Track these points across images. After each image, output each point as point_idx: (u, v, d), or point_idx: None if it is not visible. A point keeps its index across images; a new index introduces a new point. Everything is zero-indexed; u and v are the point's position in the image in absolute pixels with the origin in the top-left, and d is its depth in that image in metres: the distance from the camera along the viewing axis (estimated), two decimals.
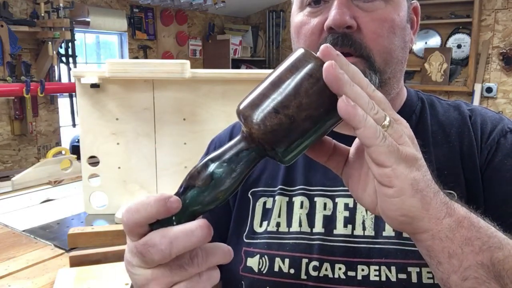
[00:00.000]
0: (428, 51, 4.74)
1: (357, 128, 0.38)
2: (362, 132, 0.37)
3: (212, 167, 0.40)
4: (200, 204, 0.40)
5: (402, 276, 0.57)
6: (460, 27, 4.63)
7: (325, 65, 0.38)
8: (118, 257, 1.22)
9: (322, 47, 0.39)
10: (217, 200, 0.40)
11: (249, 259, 0.63)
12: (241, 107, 0.40)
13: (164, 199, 0.38)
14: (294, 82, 0.39)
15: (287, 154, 0.40)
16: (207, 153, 0.77)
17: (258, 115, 0.39)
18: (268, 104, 0.39)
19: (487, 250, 0.41)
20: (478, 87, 4.54)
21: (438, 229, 0.40)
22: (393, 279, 0.57)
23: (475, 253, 0.41)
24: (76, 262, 1.21)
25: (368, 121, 0.37)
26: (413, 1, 0.65)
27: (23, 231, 1.56)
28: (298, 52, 0.40)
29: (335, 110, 0.38)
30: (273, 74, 0.41)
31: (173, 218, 0.39)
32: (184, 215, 0.39)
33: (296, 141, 0.39)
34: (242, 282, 0.63)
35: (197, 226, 0.38)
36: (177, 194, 0.40)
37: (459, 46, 4.68)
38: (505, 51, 4.45)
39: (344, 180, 0.46)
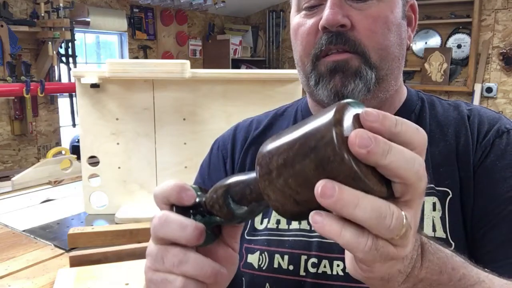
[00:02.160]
0: (428, 51, 4.74)
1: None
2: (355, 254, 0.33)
3: (234, 207, 0.40)
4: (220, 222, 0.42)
5: None
6: (460, 27, 4.64)
7: (319, 192, 0.30)
8: (118, 257, 1.22)
9: (354, 136, 0.30)
10: None
11: (249, 256, 0.64)
12: (264, 151, 0.35)
13: (181, 188, 0.41)
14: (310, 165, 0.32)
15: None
16: (211, 154, 0.77)
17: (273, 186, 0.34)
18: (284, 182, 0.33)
19: None
20: (478, 87, 4.55)
21: None
22: None
23: None
24: (76, 262, 1.21)
25: (360, 245, 0.31)
26: None
27: (23, 231, 1.56)
28: (327, 120, 0.32)
29: None
30: (299, 131, 0.34)
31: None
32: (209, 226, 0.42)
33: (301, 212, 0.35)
34: (243, 278, 0.64)
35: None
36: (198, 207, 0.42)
37: (459, 46, 4.68)
38: (505, 51, 4.45)
39: None
